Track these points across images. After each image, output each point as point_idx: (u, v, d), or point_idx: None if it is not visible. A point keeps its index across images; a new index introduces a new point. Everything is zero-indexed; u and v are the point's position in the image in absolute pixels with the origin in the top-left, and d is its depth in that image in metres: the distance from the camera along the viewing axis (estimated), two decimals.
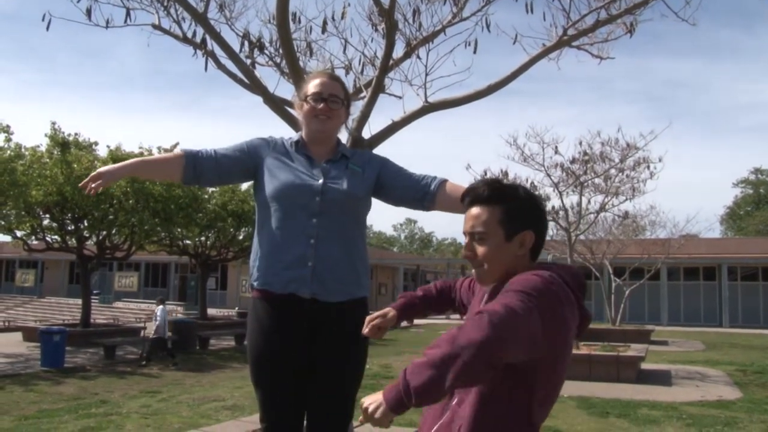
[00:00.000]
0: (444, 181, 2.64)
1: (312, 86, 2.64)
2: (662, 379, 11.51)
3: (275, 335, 2.53)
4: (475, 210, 1.84)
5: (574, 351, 11.83)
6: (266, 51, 6.24)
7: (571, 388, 9.97)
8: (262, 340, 2.55)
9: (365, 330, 2.20)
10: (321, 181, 2.56)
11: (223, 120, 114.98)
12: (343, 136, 5.02)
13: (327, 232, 2.53)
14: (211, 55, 5.78)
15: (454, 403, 1.75)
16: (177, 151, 2.77)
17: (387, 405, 1.54)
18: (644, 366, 12.29)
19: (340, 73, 6.39)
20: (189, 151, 2.63)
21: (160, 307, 15.24)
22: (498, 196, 1.82)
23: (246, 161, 2.66)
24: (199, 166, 2.61)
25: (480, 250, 1.82)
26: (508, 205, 1.81)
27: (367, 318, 2.21)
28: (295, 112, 2.75)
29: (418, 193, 2.64)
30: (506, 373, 1.62)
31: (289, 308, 2.52)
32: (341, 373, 2.54)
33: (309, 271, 2.50)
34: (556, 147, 13.19)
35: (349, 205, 2.57)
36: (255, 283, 2.60)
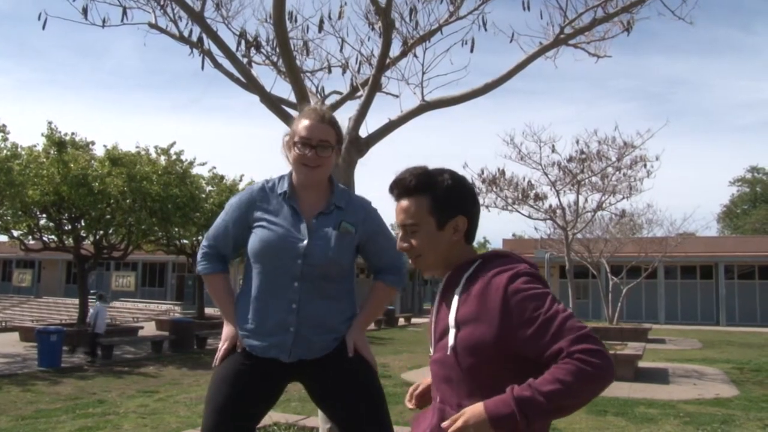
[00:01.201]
0: (382, 284, 2.58)
1: (301, 129, 2.45)
2: (659, 377, 11.53)
3: (245, 393, 2.43)
4: (404, 202, 1.82)
5: None
6: (263, 50, 6.24)
7: None
8: (229, 392, 2.44)
9: (408, 403, 2.05)
10: (305, 242, 2.41)
11: (220, 118, 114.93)
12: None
13: (309, 296, 2.42)
14: (207, 54, 5.77)
15: (438, 402, 1.77)
16: (215, 278, 2.59)
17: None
18: (641, 364, 12.30)
19: (336, 71, 6.39)
20: (223, 266, 2.60)
21: (97, 303, 15.50)
22: (424, 185, 1.79)
23: (246, 223, 2.52)
24: (225, 261, 2.62)
25: (414, 241, 1.81)
26: (435, 193, 1.78)
27: (410, 390, 2.08)
28: (284, 152, 2.55)
29: (374, 270, 2.63)
30: (517, 368, 1.62)
31: (271, 370, 2.44)
32: (365, 395, 2.46)
33: (291, 336, 2.40)
34: (554, 146, 13.23)
35: (332, 269, 2.44)
36: (248, 346, 2.48)
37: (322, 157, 2.43)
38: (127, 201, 17.07)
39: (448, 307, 1.75)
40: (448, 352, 1.70)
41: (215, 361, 2.51)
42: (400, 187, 1.83)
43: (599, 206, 14.48)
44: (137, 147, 19.18)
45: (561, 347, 1.54)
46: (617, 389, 9.85)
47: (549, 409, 1.50)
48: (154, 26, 5.84)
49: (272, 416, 7.11)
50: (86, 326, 15.39)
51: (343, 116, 5.40)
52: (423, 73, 5.61)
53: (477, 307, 1.66)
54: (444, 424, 1.62)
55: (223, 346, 2.50)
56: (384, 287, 2.60)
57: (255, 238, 2.45)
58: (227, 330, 2.53)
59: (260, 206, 2.50)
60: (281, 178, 2.56)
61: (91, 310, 15.26)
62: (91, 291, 30.15)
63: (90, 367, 13.41)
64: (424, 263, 1.84)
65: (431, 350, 1.83)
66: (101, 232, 18.91)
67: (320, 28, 6.00)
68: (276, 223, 2.44)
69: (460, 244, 1.82)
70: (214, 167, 22.54)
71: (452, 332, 1.70)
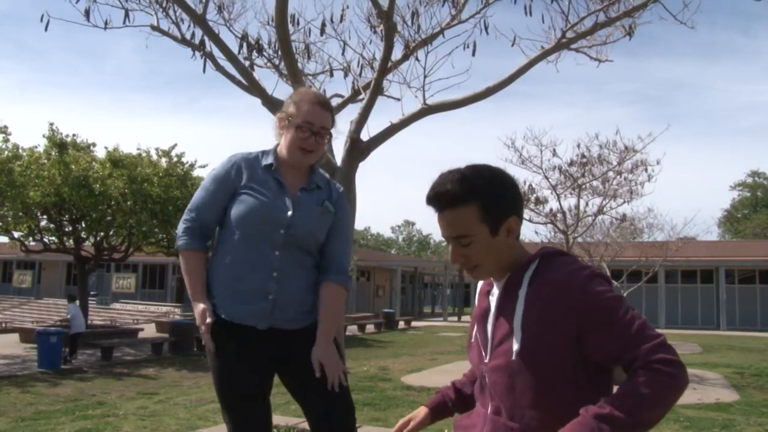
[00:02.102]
0: (332, 284, 2.48)
1: (304, 112, 2.45)
2: None
3: (236, 360, 2.46)
4: (449, 214, 1.66)
5: None
6: (265, 53, 6.25)
7: None
8: (225, 364, 2.48)
9: None
10: (290, 213, 2.43)
11: (221, 120, 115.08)
12: (340, 141, 5.03)
13: (290, 266, 2.43)
14: (209, 56, 5.78)
15: (491, 412, 1.68)
16: (192, 255, 2.52)
17: None
18: None
19: (338, 75, 6.40)
20: (202, 244, 2.54)
21: (71, 304, 15.58)
22: (470, 192, 1.64)
23: (229, 195, 2.50)
24: (207, 238, 2.57)
25: (469, 252, 1.68)
26: (483, 199, 1.64)
27: (400, 422, 2.00)
28: (276, 127, 2.53)
29: (320, 268, 2.52)
30: (587, 376, 1.58)
31: (248, 335, 2.44)
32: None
33: (270, 304, 2.41)
34: (554, 149, 13.20)
35: (311, 242, 2.48)
36: (225, 313, 2.48)
37: (319, 144, 2.47)
38: (128, 203, 17.08)
39: (511, 309, 1.64)
40: (513, 357, 1.59)
41: (206, 342, 2.46)
42: (443, 199, 1.66)
43: (600, 210, 14.45)
44: (138, 149, 19.21)
45: (637, 355, 1.48)
46: None
47: (630, 423, 1.43)
48: (156, 28, 5.86)
49: (273, 419, 7.09)
50: (64, 326, 15.60)
51: (345, 119, 5.41)
52: (425, 77, 5.62)
53: (550, 308, 1.57)
54: None
55: (206, 321, 2.43)
56: (339, 288, 2.50)
57: (240, 205, 2.44)
58: (202, 307, 2.46)
59: (245, 175, 2.49)
60: (265, 152, 2.56)
61: (70, 313, 15.44)
62: (91, 293, 30.19)
63: (89, 369, 13.40)
64: (483, 273, 1.73)
65: (486, 357, 1.70)
66: (102, 233, 18.92)
67: (322, 32, 6.01)
68: (262, 193, 2.45)
69: (515, 244, 1.72)
70: (215, 169, 22.49)
71: (519, 335, 1.60)
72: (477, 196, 1.64)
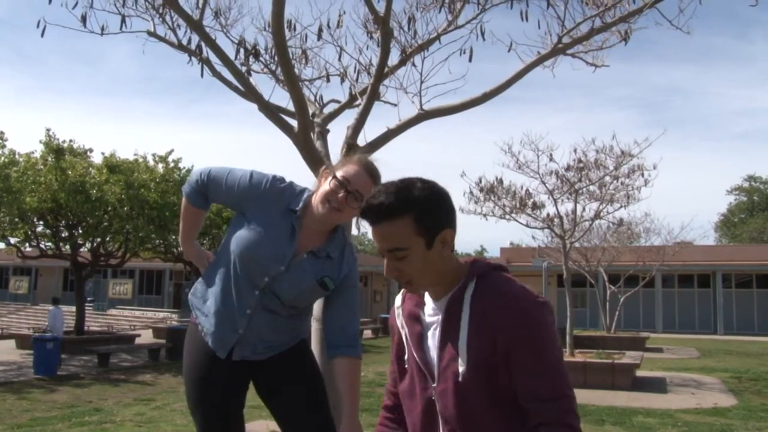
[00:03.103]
0: (345, 359, 2.41)
1: (347, 170, 2.37)
2: (657, 386, 11.52)
3: (207, 365, 2.52)
4: (385, 226, 1.63)
5: (569, 359, 11.83)
6: (261, 58, 6.25)
7: None
8: (195, 367, 2.54)
9: None
10: (282, 269, 2.40)
11: (218, 126, 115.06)
12: (337, 146, 5.01)
13: (265, 309, 2.44)
14: (206, 62, 5.78)
15: None
16: (193, 208, 2.63)
17: None
18: (639, 373, 12.29)
19: (335, 80, 6.40)
20: (204, 204, 2.62)
21: (52, 307, 15.91)
22: (404, 204, 1.61)
23: (238, 200, 2.51)
24: (208, 200, 2.62)
25: (403, 266, 1.65)
26: (418, 211, 1.61)
27: None
28: (317, 180, 2.48)
29: (330, 341, 2.46)
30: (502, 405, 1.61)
31: (215, 358, 2.51)
32: (306, 387, 2.54)
33: (236, 337, 2.46)
34: (551, 154, 13.23)
35: (289, 303, 2.46)
36: (194, 317, 2.58)
37: (349, 206, 2.35)
38: (125, 208, 17.05)
39: (455, 330, 1.63)
40: (460, 379, 1.60)
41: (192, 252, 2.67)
42: (378, 212, 1.63)
43: (597, 215, 14.47)
44: (135, 154, 19.20)
45: (545, 411, 1.53)
46: (615, 398, 9.83)
47: None
48: (152, 34, 5.86)
49: (269, 425, 7.08)
50: (45, 331, 15.89)
51: (342, 125, 5.42)
52: (421, 82, 5.63)
53: (491, 329, 1.57)
54: None
55: (194, 251, 2.66)
56: (353, 361, 2.42)
57: (240, 235, 2.43)
58: (193, 251, 2.72)
59: (265, 201, 2.44)
60: (301, 191, 2.49)
61: (51, 317, 15.75)
62: (88, 298, 30.10)
63: (86, 375, 13.35)
64: (417, 287, 1.71)
65: (433, 381, 1.68)
66: (98, 239, 18.88)
67: (319, 37, 6.02)
68: (267, 232, 2.40)
69: (450, 257, 1.69)
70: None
71: (464, 357, 1.60)
72: (412, 209, 1.61)
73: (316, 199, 2.40)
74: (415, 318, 1.77)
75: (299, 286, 2.41)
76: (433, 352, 1.69)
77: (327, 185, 2.37)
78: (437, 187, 1.68)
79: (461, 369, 1.60)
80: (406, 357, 1.81)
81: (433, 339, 1.71)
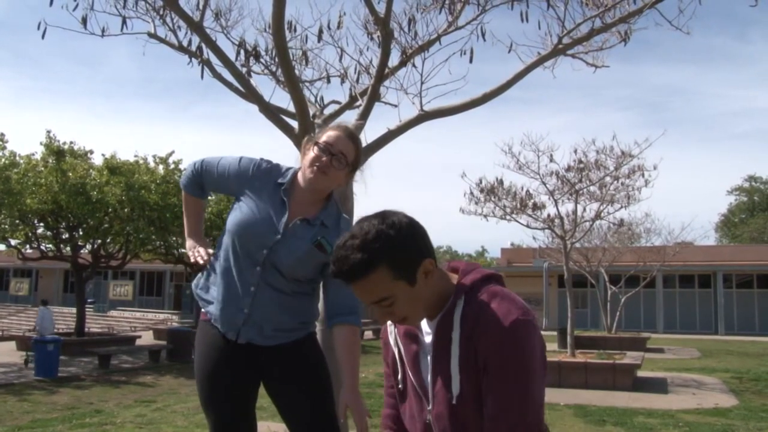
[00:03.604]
0: (344, 326, 2.44)
1: (327, 136, 2.47)
2: (658, 386, 11.51)
3: (217, 359, 2.55)
4: (361, 284, 1.58)
5: (571, 359, 11.83)
6: (262, 59, 6.26)
7: (567, 396, 9.96)
8: (206, 362, 2.57)
9: None
10: (277, 237, 2.44)
11: (218, 127, 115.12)
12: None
13: (268, 285, 2.47)
14: (207, 63, 5.78)
15: None
16: (191, 198, 2.76)
17: None
18: (640, 374, 12.28)
19: (335, 81, 6.41)
20: (202, 193, 2.75)
21: (40, 308, 16.22)
22: (375, 255, 1.55)
23: (230, 187, 2.61)
24: (204, 192, 2.76)
25: (394, 310, 1.62)
26: (390, 258, 1.56)
27: None
28: (301, 154, 2.55)
29: (329, 312, 2.49)
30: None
31: (228, 342, 2.53)
32: (310, 394, 2.54)
33: (242, 317, 2.48)
34: (551, 155, 13.22)
35: (294, 271, 2.47)
36: (202, 307, 2.62)
37: (333, 167, 2.43)
38: (125, 210, 17.05)
39: (447, 353, 1.61)
40: (455, 402, 1.58)
41: (204, 261, 2.64)
42: (349, 274, 1.57)
43: (597, 215, 14.47)
44: (136, 156, 19.20)
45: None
46: (616, 399, 9.83)
47: None
48: (153, 36, 5.86)
49: (270, 427, 7.08)
50: (34, 332, 16.34)
51: None
52: (422, 83, 5.63)
53: (478, 348, 1.56)
54: None
55: (197, 248, 2.67)
56: (352, 328, 2.46)
57: (236, 213, 2.51)
58: (197, 239, 2.75)
59: (254, 184, 2.53)
60: (287, 169, 2.57)
61: (40, 317, 16.09)
62: (89, 300, 30.11)
63: (87, 377, 13.36)
64: (414, 320, 1.67)
65: (428, 404, 1.66)
66: (99, 241, 18.88)
67: (319, 38, 6.03)
68: (260, 208, 2.48)
69: (436, 282, 1.66)
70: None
71: (457, 379, 1.58)
72: (383, 258, 1.56)
73: (303, 168, 2.48)
74: (411, 337, 1.75)
75: (296, 252, 2.44)
76: (428, 374, 1.67)
77: (312, 152, 2.45)
78: (402, 222, 1.61)
79: (455, 392, 1.58)
80: (399, 376, 1.79)
81: (428, 360, 1.69)
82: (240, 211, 2.50)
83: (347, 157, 2.45)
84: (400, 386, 1.79)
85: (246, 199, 2.52)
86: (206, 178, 2.65)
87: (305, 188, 2.49)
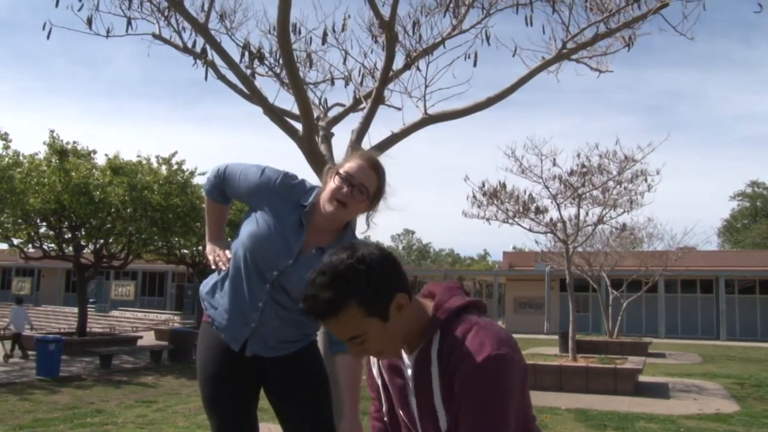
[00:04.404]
0: (346, 356, 2.38)
1: (349, 165, 2.39)
2: (660, 391, 11.49)
3: (220, 361, 2.55)
4: (332, 323, 1.55)
5: (572, 363, 11.82)
6: (266, 61, 6.27)
7: (568, 400, 9.95)
8: (208, 364, 2.58)
9: None
10: (290, 262, 2.41)
11: (221, 128, 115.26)
12: (341, 149, 5.03)
13: (275, 303, 2.46)
14: (211, 65, 5.80)
15: None
16: (213, 204, 2.72)
17: None
18: (642, 378, 12.27)
19: (339, 84, 6.41)
20: (224, 200, 2.69)
21: (14, 306, 17.02)
22: (345, 293, 1.51)
23: (250, 196, 2.55)
24: (227, 198, 2.70)
25: (369, 346, 1.59)
26: (360, 296, 1.52)
27: None
28: (322, 180, 2.50)
29: (332, 338, 2.40)
30: None
31: (230, 349, 2.54)
32: (310, 408, 2.55)
33: (249, 331, 2.48)
34: (554, 159, 13.21)
35: (298, 297, 2.38)
36: (205, 310, 2.62)
37: (354, 199, 2.37)
38: (128, 210, 17.06)
39: (428, 389, 1.60)
40: None
41: (224, 265, 2.57)
42: (319, 313, 1.54)
43: (600, 220, 14.46)
44: (138, 156, 19.22)
45: None
46: (617, 403, 9.81)
47: None
48: (158, 37, 5.88)
49: (271, 429, 7.07)
50: (7, 329, 16.92)
51: (346, 128, 5.42)
52: (426, 86, 5.64)
53: (453, 388, 1.55)
54: None
55: (216, 251, 2.62)
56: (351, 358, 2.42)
57: (250, 228, 2.47)
58: (219, 243, 2.69)
59: (275, 198, 2.46)
60: (312, 188, 2.51)
61: (12, 315, 16.72)
62: (90, 300, 30.14)
63: (88, 377, 13.36)
64: (390, 354, 1.65)
65: None
66: (101, 240, 18.89)
67: (323, 41, 6.03)
68: (276, 227, 2.43)
69: (411, 314, 1.62)
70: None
71: (442, 413, 1.57)
72: (353, 296, 1.52)
73: (323, 198, 2.41)
74: (395, 371, 1.73)
75: (303, 282, 2.40)
76: (415, 410, 1.67)
77: (332, 182, 2.38)
78: (373, 256, 1.57)
79: (443, 428, 1.57)
80: (385, 408, 1.78)
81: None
82: (256, 225, 2.45)
83: (369, 188, 2.38)
84: (386, 419, 1.78)
85: (264, 213, 2.46)
86: (228, 186, 2.58)
87: (323, 216, 2.42)
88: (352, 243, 1.62)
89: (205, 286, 2.65)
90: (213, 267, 2.62)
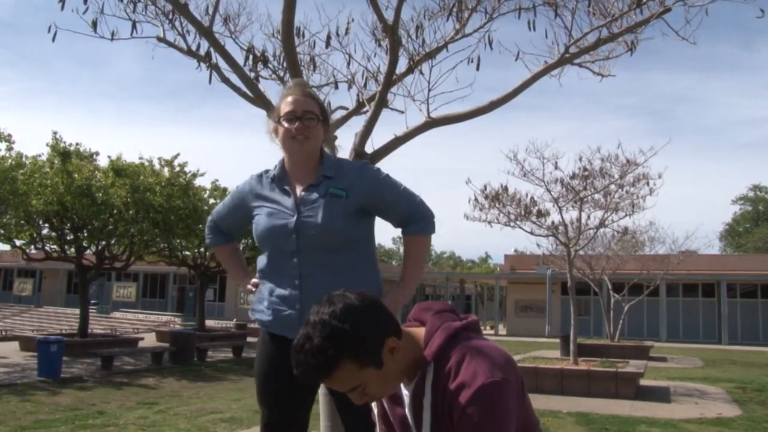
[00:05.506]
0: (408, 239, 2.51)
1: (284, 105, 2.47)
2: (661, 395, 11.48)
3: (272, 359, 2.56)
4: (328, 381, 1.57)
5: (573, 367, 11.81)
6: (270, 64, 6.28)
7: (569, 404, 9.95)
8: (261, 362, 2.60)
9: None
10: (294, 218, 2.42)
11: (222, 130, 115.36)
12: (344, 153, 5.05)
13: (311, 270, 2.42)
14: (215, 68, 5.81)
15: None
16: (219, 249, 2.86)
17: None
18: (643, 382, 12.25)
19: (343, 87, 6.43)
20: (224, 239, 2.82)
21: None
22: (335, 355, 1.52)
23: (243, 211, 2.65)
24: (228, 233, 2.83)
25: (369, 394, 1.62)
26: (351, 352, 1.53)
27: None
28: (272, 137, 2.56)
29: (398, 226, 2.55)
30: None
31: (286, 343, 2.54)
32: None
33: (297, 313, 2.43)
34: (556, 162, 13.22)
35: (327, 237, 2.40)
36: (254, 318, 2.65)
37: (308, 127, 2.43)
38: (130, 212, 17.10)
39: (420, 420, 1.64)
40: None
41: (246, 287, 2.68)
42: (313, 376, 1.56)
43: (602, 223, 14.47)
44: (141, 158, 19.26)
45: None
46: (618, 407, 9.81)
47: None
48: (162, 40, 5.90)
49: None
50: None
51: (349, 132, 5.43)
52: (429, 90, 5.65)
53: (448, 415, 1.58)
54: None
55: (247, 285, 2.69)
56: (412, 239, 2.52)
57: (255, 228, 2.55)
58: (243, 282, 2.75)
59: (256, 194, 2.56)
60: (275, 166, 2.60)
61: None
62: (92, 301, 30.15)
63: (89, 378, 13.38)
64: (390, 392, 1.70)
65: None
66: (103, 242, 18.93)
67: (327, 44, 6.05)
68: (267, 207, 2.50)
69: (403, 354, 1.64)
70: (217, 180, 22.58)
71: None
72: (344, 352, 1.53)
73: (284, 146, 2.50)
74: (396, 400, 1.76)
75: (317, 213, 2.40)
76: None
77: (281, 129, 2.47)
78: (355, 308, 1.57)
79: None
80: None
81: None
82: (257, 222, 2.54)
83: (314, 111, 2.46)
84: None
85: (256, 211, 2.56)
86: (223, 224, 2.76)
87: (296, 163, 2.50)
88: (330, 296, 1.61)
89: (252, 304, 2.68)
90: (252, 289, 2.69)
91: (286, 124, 2.44)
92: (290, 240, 2.42)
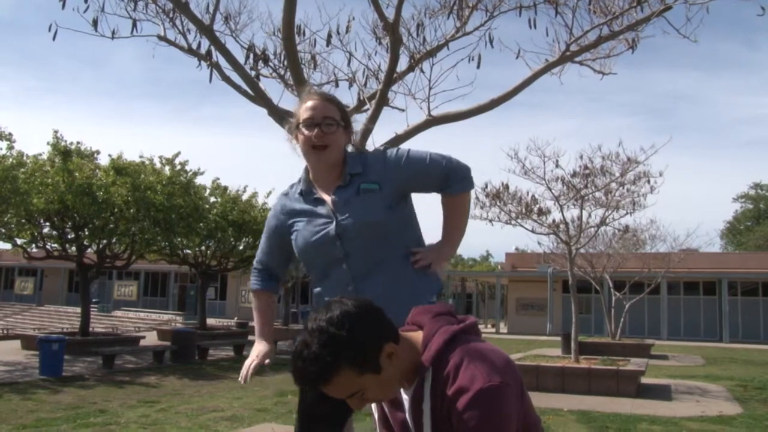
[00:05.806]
0: (447, 200, 2.45)
1: (303, 111, 2.39)
2: (662, 393, 11.48)
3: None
4: (328, 387, 1.57)
5: (575, 365, 11.82)
6: (271, 63, 6.29)
7: (570, 401, 9.95)
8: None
9: None
10: (333, 224, 2.34)
11: (223, 127, 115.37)
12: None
13: (363, 274, 2.35)
14: (216, 66, 5.82)
15: None
16: (258, 296, 2.66)
17: None
18: (644, 380, 12.25)
19: (343, 85, 6.43)
20: (273, 285, 2.65)
21: None
22: (333, 361, 1.52)
23: (284, 237, 2.52)
24: (275, 279, 2.67)
25: (368, 397, 1.62)
26: (349, 359, 1.53)
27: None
28: (292, 145, 2.49)
29: (439, 192, 2.47)
30: None
31: None
32: None
33: None
34: (557, 160, 13.21)
35: (370, 233, 2.33)
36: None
37: (328, 134, 2.34)
38: (131, 210, 17.10)
39: (420, 425, 1.65)
40: None
41: (242, 378, 2.51)
42: (311, 383, 1.56)
43: (603, 221, 14.46)
44: (141, 157, 19.26)
45: None
46: (619, 405, 9.81)
47: None
48: (163, 38, 5.91)
49: (275, 429, 7.09)
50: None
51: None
52: (430, 88, 5.66)
53: (447, 419, 1.58)
54: None
55: (251, 363, 2.49)
56: (451, 199, 2.45)
57: (293, 244, 2.45)
58: (259, 347, 2.56)
59: (288, 211, 2.47)
60: (300, 179, 2.52)
61: None
62: (93, 300, 30.18)
63: (91, 377, 13.39)
64: (390, 397, 1.70)
65: None
66: (104, 241, 18.93)
67: (328, 42, 6.05)
68: (303, 221, 2.41)
69: (402, 356, 1.64)
70: (218, 178, 22.58)
71: None
72: (341, 360, 1.53)
73: (304, 156, 2.42)
74: (396, 405, 1.76)
75: (353, 211, 2.34)
76: None
77: (301, 136, 2.39)
78: (352, 316, 1.57)
79: None
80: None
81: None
82: (296, 239, 2.44)
83: (333, 117, 2.38)
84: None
85: (293, 228, 2.46)
86: (273, 262, 2.61)
87: (320, 170, 2.41)
88: (328, 303, 1.62)
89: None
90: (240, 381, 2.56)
91: (305, 132, 2.36)
92: (335, 247, 2.35)
